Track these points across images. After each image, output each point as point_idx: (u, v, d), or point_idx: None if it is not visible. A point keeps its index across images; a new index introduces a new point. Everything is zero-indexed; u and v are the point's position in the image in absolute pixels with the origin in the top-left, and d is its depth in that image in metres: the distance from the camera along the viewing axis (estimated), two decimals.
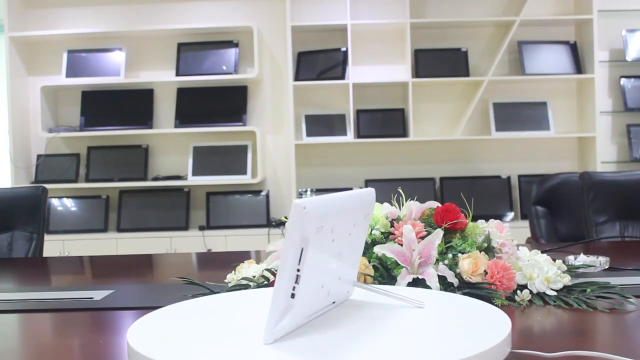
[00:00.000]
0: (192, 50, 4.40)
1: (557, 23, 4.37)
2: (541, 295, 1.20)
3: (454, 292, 1.16)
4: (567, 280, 1.24)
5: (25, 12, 4.46)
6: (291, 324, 0.86)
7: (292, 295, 0.84)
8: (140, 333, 0.88)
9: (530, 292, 1.20)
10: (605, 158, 4.33)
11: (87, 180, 4.36)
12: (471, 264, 1.18)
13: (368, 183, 4.38)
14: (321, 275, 0.90)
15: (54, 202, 4.34)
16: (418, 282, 1.18)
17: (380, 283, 1.20)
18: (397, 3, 4.31)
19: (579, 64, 4.32)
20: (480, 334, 0.85)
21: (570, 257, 1.54)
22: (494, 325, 0.88)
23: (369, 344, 0.83)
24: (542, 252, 1.34)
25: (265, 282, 1.24)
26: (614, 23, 4.36)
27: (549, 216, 2.84)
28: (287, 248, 0.82)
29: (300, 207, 0.81)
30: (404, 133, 4.32)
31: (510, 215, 4.34)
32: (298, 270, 0.83)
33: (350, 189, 4.35)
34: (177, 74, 4.36)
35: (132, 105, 4.42)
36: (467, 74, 4.32)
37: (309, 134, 4.32)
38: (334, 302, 0.98)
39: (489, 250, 1.27)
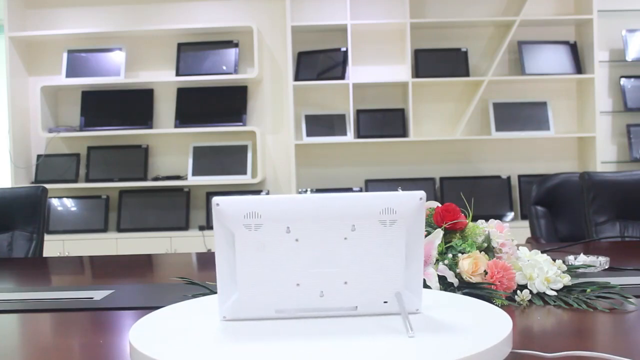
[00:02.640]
0: (192, 50, 4.40)
1: (557, 23, 4.37)
2: (541, 295, 1.20)
3: (454, 292, 1.16)
4: (567, 280, 1.24)
5: (25, 12, 4.46)
6: (248, 310, 0.93)
7: (235, 281, 0.92)
8: (141, 333, 0.89)
9: (530, 292, 1.20)
10: (605, 158, 4.33)
11: (87, 180, 4.36)
12: (471, 264, 1.18)
13: (368, 183, 4.38)
14: (291, 273, 0.92)
15: (54, 202, 4.34)
16: None
17: None
18: (397, 3, 4.30)
19: (579, 64, 4.31)
20: (480, 334, 0.85)
21: (570, 257, 1.54)
22: (494, 325, 0.88)
23: (348, 342, 0.83)
24: (542, 252, 1.33)
25: None
26: (614, 23, 4.36)
27: (549, 216, 2.84)
28: (215, 239, 0.91)
29: (214, 204, 0.89)
30: (404, 133, 4.32)
31: (510, 215, 4.33)
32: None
33: (350, 189, 4.38)
34: (177, 74, 4.36)
35: (132, 105, 4.42)
36: (467, 74, 4.32)
37: (309, 134, 4.32)
38: (356, 307, 0.96)
39: (489, 250, 1.27)
